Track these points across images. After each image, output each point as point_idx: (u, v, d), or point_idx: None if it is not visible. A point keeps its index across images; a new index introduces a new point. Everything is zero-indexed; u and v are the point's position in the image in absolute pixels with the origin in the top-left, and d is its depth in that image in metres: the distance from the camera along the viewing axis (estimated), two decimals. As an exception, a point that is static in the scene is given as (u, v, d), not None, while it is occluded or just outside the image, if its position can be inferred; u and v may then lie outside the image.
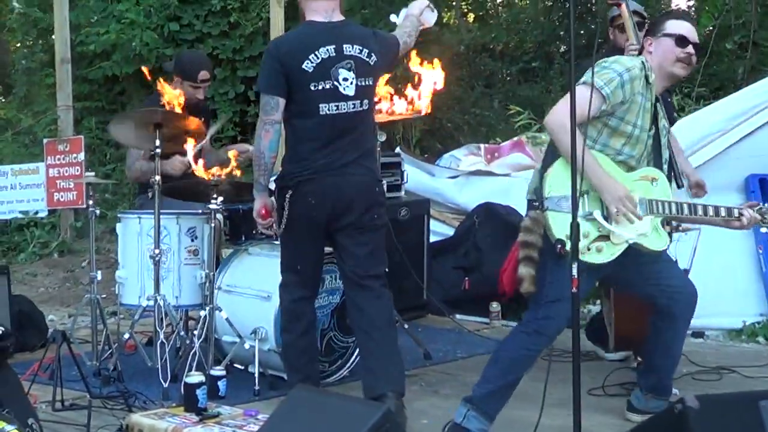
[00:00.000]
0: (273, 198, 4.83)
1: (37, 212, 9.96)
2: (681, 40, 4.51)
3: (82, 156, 9.44)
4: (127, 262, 5.60)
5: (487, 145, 9.73)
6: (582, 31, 13.68)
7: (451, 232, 8.01)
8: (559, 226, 4.12)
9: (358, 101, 4.74)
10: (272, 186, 4.90)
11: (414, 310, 7.22)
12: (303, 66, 4.63)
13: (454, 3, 16.77)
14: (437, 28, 13.06)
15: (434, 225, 7.92)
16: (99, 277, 5.72)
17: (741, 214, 4.55)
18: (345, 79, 4.68)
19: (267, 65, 4.77)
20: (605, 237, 4.25)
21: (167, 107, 5.65)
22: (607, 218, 4.22)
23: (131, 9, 11.91)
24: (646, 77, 4.41)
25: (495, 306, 7.31)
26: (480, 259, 7.54)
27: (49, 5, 11.11)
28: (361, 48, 4.75)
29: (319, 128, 4.68)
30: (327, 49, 4.67)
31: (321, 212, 4.70)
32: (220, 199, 5.32)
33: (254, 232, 5.62)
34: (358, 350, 5.31)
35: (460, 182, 8.41)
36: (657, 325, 4.69)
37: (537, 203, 4.24)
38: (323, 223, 4.73)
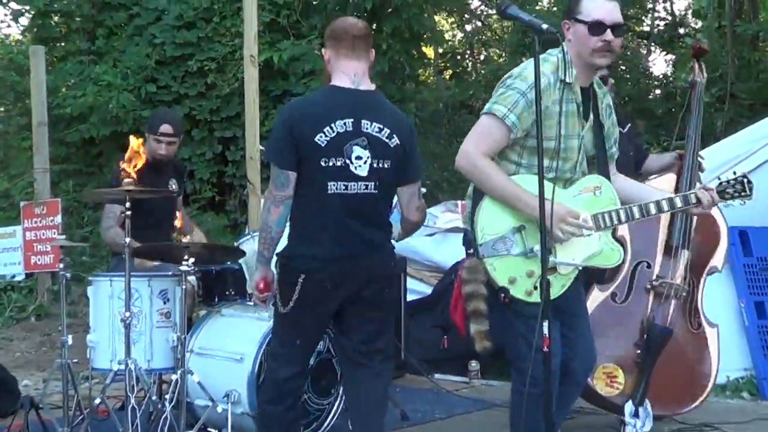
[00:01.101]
0: (274, 270, 4.50)
1: (14, 276, 9.89)
2: (596, 27, 4.08)
3: (59, 219, 9.43)
4: (98, 325, 5.50)
5: (464, 201, 9.70)
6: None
7: (429, 290, 7.99)
8: (500, 272, 3.91)
9: (371, 183, 4.30)
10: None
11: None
12: (316, 139, 4.20)
13: (431, 61, 16.91)
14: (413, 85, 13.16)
15: (412, 283, 7.90)
16: (70, 341, 5.62)
17: (698, 199, 4.25)
18: (358, 158, 4.26)
19: (278, 133, 4.32)
20: (552, 269, 3.96)
21: (125, 167, 5.53)
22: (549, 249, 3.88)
23: (108, 71, 11.93)
24: (562, 80, 4.06)
25: (474, 365, 7.27)
26: (458, 317, 7.47)
27: (26, 69, 11.14)
28: (381, 126, 4.31)
29: (329, 208, 4.26)
30: (344, 123, 4.23)
31: (336, 297, 4.34)
32: (192, 260, 5.26)
33: (227, 293, 5.55)
34: (333, 412, 5.22)
35: (437, 240, 8.38)
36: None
37: (471, 251, 4.02)
38: (336, 306, 4.41)
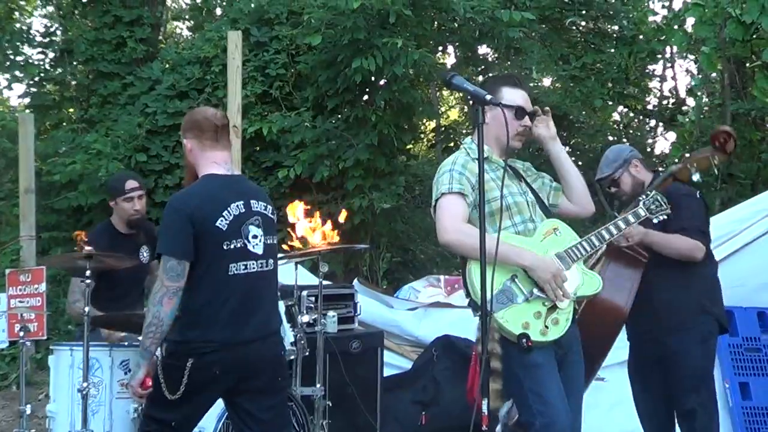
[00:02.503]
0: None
1: (-3, 344, 9.76)
2: (519, 112, 4.45)
3: (43, 287, 9.26)
4: (58, 395, 5.40)
5: (447, 276, 9.64)
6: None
7: (409, 365, 7.84)
8: (513, 322, 4.07)
9: (265, 260, 4.49)
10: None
11: (368, 445, 7.01)
12: (217, 224, 4.34)
13: (424, 134, 16.93)
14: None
15: (392, 358, 7.76)
16: (28, 411, 5.53)
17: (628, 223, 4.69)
18: (254, 236, 4.45)
19: (175, 225, 4.36)
20: (553, 308, 4.19)
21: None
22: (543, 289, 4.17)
23: (99, 140, 11.94)
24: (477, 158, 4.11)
25: (450, 441, 7.11)
26: (438, 392, 7.36)
27: (17, 135, 11.14)
28: (265, 204, 4.58)
29: (226, 291, 4.35)
30: (237, 205, 4.43)
31: (225, 383, 4.39)
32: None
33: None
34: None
35: (418, 314, 8.25)
36: None
37: (479, 314, 3.98)
38: (224, 392, 4.47)
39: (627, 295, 5.15)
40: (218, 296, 4.34)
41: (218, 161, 4.52)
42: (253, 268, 4.42)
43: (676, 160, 13.12)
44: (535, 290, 4.18)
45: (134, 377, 4.45)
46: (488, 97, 3.67)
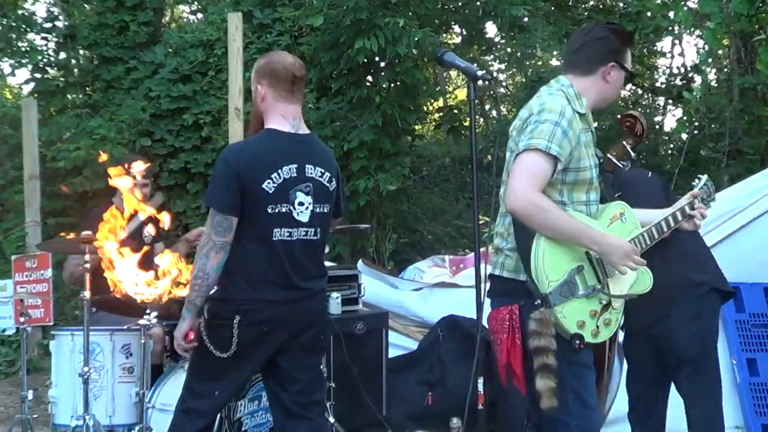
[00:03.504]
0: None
1: (4, 330, 9.78)
2: (630, 79, 4.26)
3: (49, 272, 9.31)
4: (60, 380, 5.44)
5: (452, 256, 9.60)
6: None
7: (414, 345, 7.81)
8: (570, 319, 3.73)
9: (312, 229, 4.35)
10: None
11: (372, 427, 6.98)
12: (264, 185, 4.21)
13: (430, 115, 16.87)
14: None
15: (398, 338, 7.75)
16: (30, 396, 5.54)
17: (692, 216, 4.47)
18: (301, 204, 4.29)
19: (223, 179, 4.25)
20: (607, 306, 3.90)
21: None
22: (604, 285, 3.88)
23: (103, 125, 11.91)
24: (577, 111, 3.97)
25: (455, 422, 7.06)
26: (444, 372, 7.32)
27: (20, 122, 11.13)
28: (323, 171, 4.39)
29: (271, 254, 4.24)
30: (289, 168, 4.26)
31: (273, 340, 4.28)
32: (154, 314, 5.15)
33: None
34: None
35: (423, 294, 8.22)
36: None
37: (537, 301, 3.73)
38: (272, 351, 4.33)
39: None
40: (263, 258, 4.24)
41: (287, 115, 4.36)
42: (296, 235, 4.30)
43: (684, 136, 13.12)
44: (598, 285, 3.86)
45: (179, 329, 4.36)
46: (479, 72, 3.58)
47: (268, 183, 4.21)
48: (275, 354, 4.35)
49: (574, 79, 4.08)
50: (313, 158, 4.37)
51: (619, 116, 5.42)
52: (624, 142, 5.18)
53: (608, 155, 5.13)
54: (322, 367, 5.71)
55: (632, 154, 5.22)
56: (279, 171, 4.24)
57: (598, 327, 3.84)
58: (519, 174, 3.74)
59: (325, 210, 4.42)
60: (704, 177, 4.67)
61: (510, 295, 3.92)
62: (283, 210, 4.25)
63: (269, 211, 4.22)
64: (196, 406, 4.36)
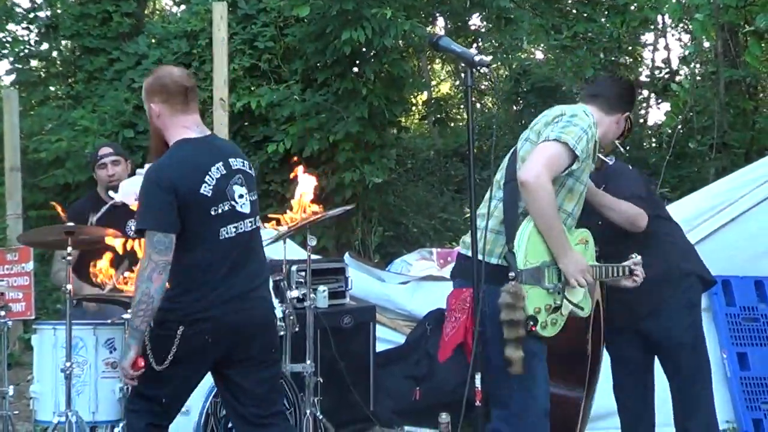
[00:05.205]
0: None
1: (-16, 324, 9.63)
2: (629, 132, 4.73)
3: (30, 265, 9.17)
4: (42, 375, 5.28)
5: (439, 249, 9.53)
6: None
7: (402, 339, 7.74)
8: (530, 301, 3.98)
9: (253, 219, 4.40)
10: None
11: (360, 422, 6.92)
12: (201, 191, 4.20)
13: (416, 107, 16.83)
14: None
15: (385, 332, 7.68)
16: (11, 392, 5.42)
17: (634, 273, 4.62)
18: (240, 196, 4.33)
19: (156, 198, 4.19)
20: (557, 309, 4.16)
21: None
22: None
23: (86, 116, 11.80)
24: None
25: (444, 417, 6.99)
26: (432, 367, 7.26)
27: (1, 113, 11.00)
28: (242, 160, 4.45)
29: (216, 256, 4.23)
30: (218, 167, 4.27)
31: (216, 351, 4.26)
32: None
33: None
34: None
35: (411, 288, 8.13)
36: None
37: (513, 275, 3.98)
38: (215, 361, 4.33)
39: None
40: (210, 260, 4.22)
41: (189, 125, 4.33)
42: (242, 228, 4.32)
43: (669, 129, 13.08)
44: (560, 286, 4.14)
45: (125, 358, 4.26)
46: (477, 58, 3.54)
47: (205, 187, 4.21)
48: (226, 368, 4.36)
49: (594, 110, 4.48)
50: (230, 152, 4.42)
51: None
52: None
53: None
54: (308, 361, 5.69)
55: (621, 149, 5.29)
56: (209, 173, 4.24)
57: (546, 322, 4.10)
58: (542, 156, 4.03)
59: (256, 197, 4.48)
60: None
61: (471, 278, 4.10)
62: (226, 208, 4.27)
63: (212, 213, 4.23)
64: (146, 407, 4.37)
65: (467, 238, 4.19)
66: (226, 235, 4.26)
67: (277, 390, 4.53)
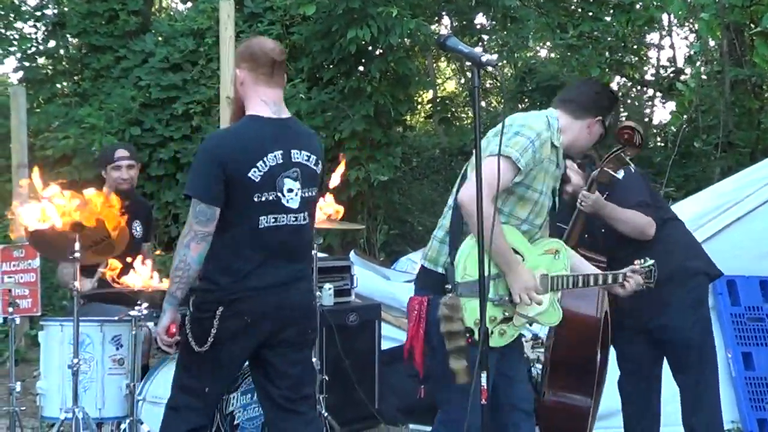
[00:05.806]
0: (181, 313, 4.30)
1: (-10, 320, 9.68)
2: (604, 138, 4.56)
3: (37, 262, 9.21)
4: (48, 372, 5.30)
5: (446, 248, 9.52)
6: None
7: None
8: (469, 313, 3.95)
9: (301, 214, 4.26)
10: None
11: (365, 419, 6.92)
12: (249, 174, 4.10)
13: (422, 106, 16.83)
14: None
15: (389, 330, 7.67)
16: (18, 388, 5.44)
17: (626, 280, 4.53)
18: (290, 190, 4.19)
19: (205, 168, 4.13)
20: (508, 319, 4.14)
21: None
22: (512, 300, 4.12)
23: (93, 114, 11.86)
24: (551, 141, 4.24)
25: (448, 415, 7.03)
26: (436, 366, 7.26)
27: (9, 110, 11.02)
28: (309, 154, 4.29)
29: (257, 242, 4.15)
30: (275, 156, 4.15)
31: (257, 332, 4.19)
32: (145, 305, 5.07)
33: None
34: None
35: (416, 286, 8.14)
36: None
37: (450, 288, 3.96)
38: (256, 343, 4.24)
39: (595, 302, 5.16)
40: (248, 248, 4.15)
41: (268, 99, 4.22)
42: (284, 221, 4.21)
43: (674, 128, 13.07)
44: (506, 298, 4.10)
45: (160, 324, 4.26)
46: (484, 58, 3.52)
47: (254, 172, 4.12)
48: (261, 348, 4.28)
49: (562, 115, 4.41)
50: (297, 143, 4.28)
51: (616, 130, 5.42)
52: (621, 153, 5.19)
53: (604, 168, 5.18)
54: (314, 359, 5.70)
55: (631, 166, 5.26)
56: (264, 159, 4.14)
57: (492, 332, 4.07)
58: (482, 174, 3.81)
59: (313, 194, 4.37)
60: (650, 261, 4.69)
61: (425, 287, 4.20)
62: (271, 198, 4.16)
63: (255, 199, 4.13)
64: (187, 403, 4.30)
65: (426, 249, 4.27)
66: (266, 225, 4.16)
67: (310, 371, 4.50)
